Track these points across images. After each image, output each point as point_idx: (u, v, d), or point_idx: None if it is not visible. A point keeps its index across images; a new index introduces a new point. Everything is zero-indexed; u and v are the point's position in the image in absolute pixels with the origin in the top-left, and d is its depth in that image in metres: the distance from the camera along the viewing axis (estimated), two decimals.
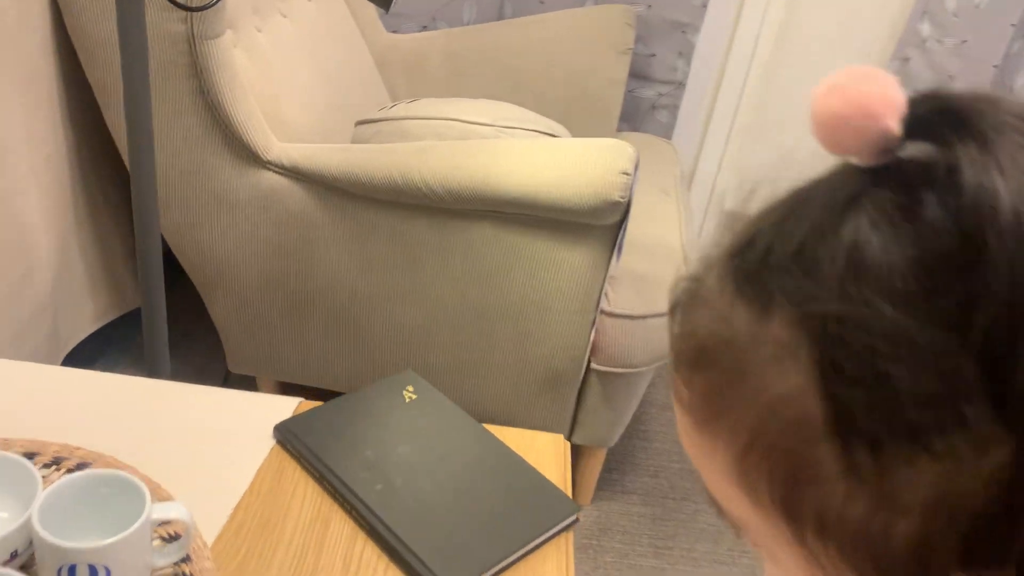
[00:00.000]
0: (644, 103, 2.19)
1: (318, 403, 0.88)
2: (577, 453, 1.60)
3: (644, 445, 1.79)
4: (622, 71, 1.88)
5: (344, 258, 1.37)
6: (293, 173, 1.32)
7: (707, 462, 0.38)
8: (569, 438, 1.52)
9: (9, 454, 0.68)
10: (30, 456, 0.76)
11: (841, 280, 0.31)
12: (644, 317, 1.36)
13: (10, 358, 1.33)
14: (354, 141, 1.41)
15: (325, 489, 0.78)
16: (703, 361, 0.36)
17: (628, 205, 1.18)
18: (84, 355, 1.70)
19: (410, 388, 0.89)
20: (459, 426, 0.85)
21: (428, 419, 0.85)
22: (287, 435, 0.81)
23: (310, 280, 1.41)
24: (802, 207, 0.34)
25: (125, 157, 1.38)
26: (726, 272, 0.35)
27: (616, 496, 1.66)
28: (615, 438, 1.53)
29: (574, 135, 1.46)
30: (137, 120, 0.98)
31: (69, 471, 0.75)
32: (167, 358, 1.18)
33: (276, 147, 1.33)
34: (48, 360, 1.44)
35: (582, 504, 1.62)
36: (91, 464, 0.76)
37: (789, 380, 0.32)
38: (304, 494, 0.78)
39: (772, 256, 0.33)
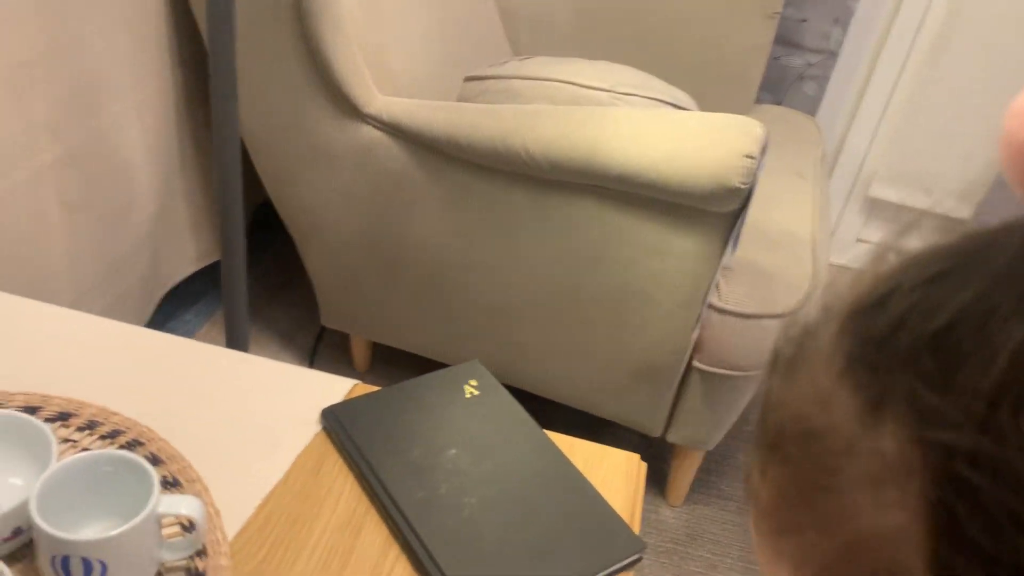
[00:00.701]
0: (790, 73, 2.00)
1: (374, 388, 0.80)
2: (671, 450, 1.48)
3: (748, 447, 1.65)
4: (767, 36, 1.70)
5: (438, 222, 1.29)
6: (392, 129, 1.25)
7: (768, 568, 0.28)
8: (663, 435, 1.41)
9: (30, 418, 0.64)
10: (66, 417, 0.72)
11: (992, 398, 0.20)
12: (758, 316, 1.22)
13: (103, 294, 1.34)
14: (460, 98, 1.32)
15: (364, 489, 0.71)
16: (783, 449, 0.26)
17: (750, 193, 1.05)
18: (181, 299, 1.71)
19: (473, 382, 0.81)
20: (520, 432, 0.76)
21: (487, 421, 0.77)
22: (333, 422, 0.75)
23: (403, 242, 1.35)
24: (966, 268, 0.22)
25: None
26: (843, 334, 0.24)
27: (711, 500, 1.53)
28: (715, 441, 1.40)
29: (706, 106, 1.33)
30: (220, 65, 0.92)
31: (102, 437, 0.71)
32: (245, 317, 1.14)
33: (377, 100, 1.25)
34: (142, 299, 1.44)
35: (673, 505, 1.51)
36: (124, 432, 0.71)
37: (888, 516, 0.22)
38: (342, 491, 0.71)
39: (904, 330, 0.22)
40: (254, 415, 0.76)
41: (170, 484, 0.68)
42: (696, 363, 1.27)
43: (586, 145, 1.10)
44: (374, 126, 1.26)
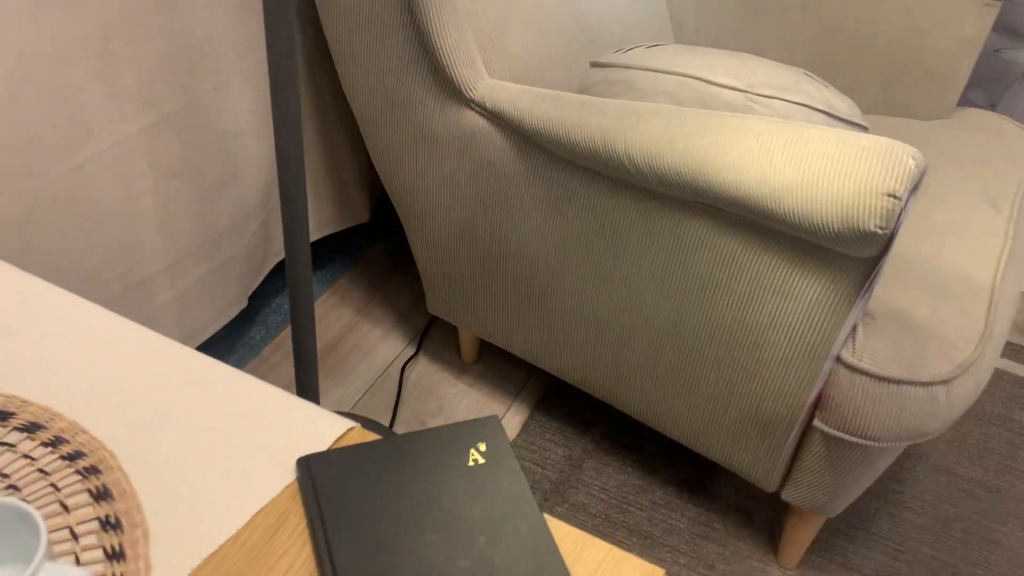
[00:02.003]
0: (1012, 70, 1.66)
1: (371, 436, 0.70)
2: (788, 506, 1.29)
3: (891, 512, 1.41)
4: (982, 27, 1.40)
5: (539, 223, 1.16)
6: (495, 117, 1.12)
7: None
8: (778, 492, 1.22)
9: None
10: (34, 429, 0.67)
11: None
12: (899, 382, 1.00)
13: (202, 261, 1.32)
14: (581, 87, 1.17)
15: (317, 565, 0.61)
16: None
17: (890, 239, 0.83)
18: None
19: (482, 446, 0.68)
20: (519, 521, 0.63)
21: (482, 500, 0.64)
22: (306, 475, 0.65)
23: (503, 239, 1.23)
24: None
25: (338, 67, 1.27)
26: None
27: (832, 569, 1.32)
28: (837, 508, 1.19)
29: (894, 109, 1.10)
30: (277, 42, 0.83)
31: (62, 457, 0.66)
32: (312, 313, 1.07)
33: (484, 84, 1.13)
34: (249, 268, 1.42)
35: (784, 566, 1.31)
36: (86, 456, 0.65)
37: None
38: (292, 563, 0.61)
39: None
40: (231, 449, 0.68)
41: (110, 525, 0.61)
42: (817, 423, 1.07)
43: (695, 159, 0.92)
44: (477, 112, 1.14)
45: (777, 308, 0.98)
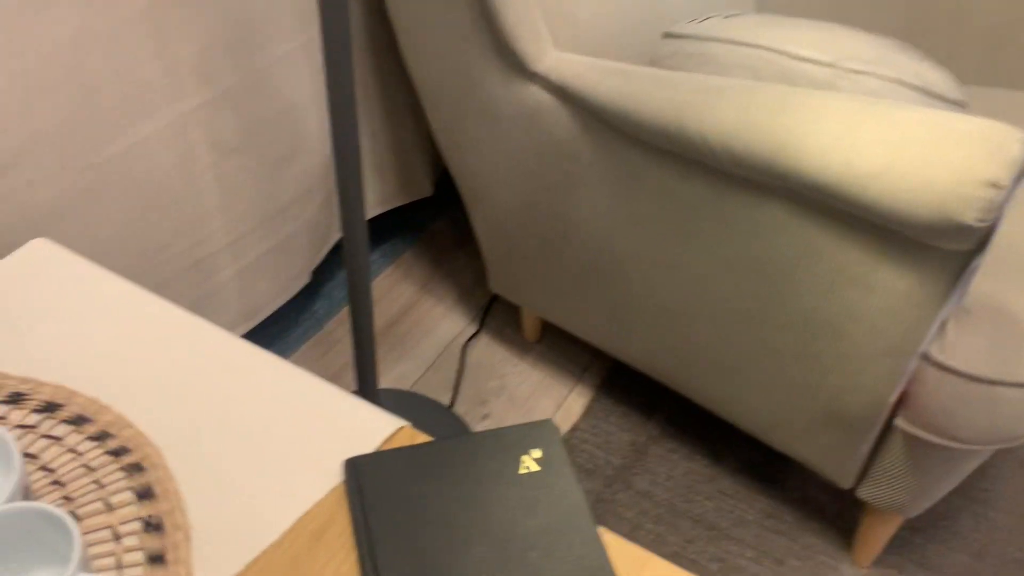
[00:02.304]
0: None
1: (422, 436, 0.67)
2: (864, 504, 1.22)
3: (976, 510, 1.33)
4: None
5: (605, 204, 1.11)
6: (560, 92, 1.07)
7: None
8: (854, 489, 1.16)
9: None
10: (81, 422, 0.66)
11: None
12: (993, 382, 0.92)
13: (264, 237, 1.31)
14: (652, 59, 1.10)
15: (361, 572, 0.58)
16: None
17: (990, 231, 0.76)
18: None
19: (536, 453, 0.65)
20: (573, 537, 0.60)
21: (535, 513, 0.61)
22: (352, 477, 0.63)
23: (567, 219, 1.18)
24: None
25: (399, 39, 1.23)
26: None
27: (909, 568, 1.26)
28: (917, 509, 1.13)
29: (994, 80, 1.01)
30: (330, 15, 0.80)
31: (108, 452, 0.64)
32: (368, 293, 1.04)
33: (549, 57, 1.08)
34: (312, 243, 1.41)
35: (858, 565, 1.25)
36: (131, 452, 0.64)
37: None
38: (338, 570, 0.59)
39: None
40: (277, 446, 0.65)
41: (152, 527, 0.60)
42: (900, 422, 1.00)
43: (775, 140, 0.86)
44: (541, 86, 1.09)
45: (858, 301, 0.92)
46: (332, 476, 0.64)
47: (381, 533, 0.59)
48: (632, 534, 1.27)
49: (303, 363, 1.46)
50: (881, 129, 0.80)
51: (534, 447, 0.65)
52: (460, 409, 1.42)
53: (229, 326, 1.30)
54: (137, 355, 0.71)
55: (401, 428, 0.67)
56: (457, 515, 0.60)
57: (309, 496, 0.63)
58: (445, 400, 1.42)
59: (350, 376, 1.46)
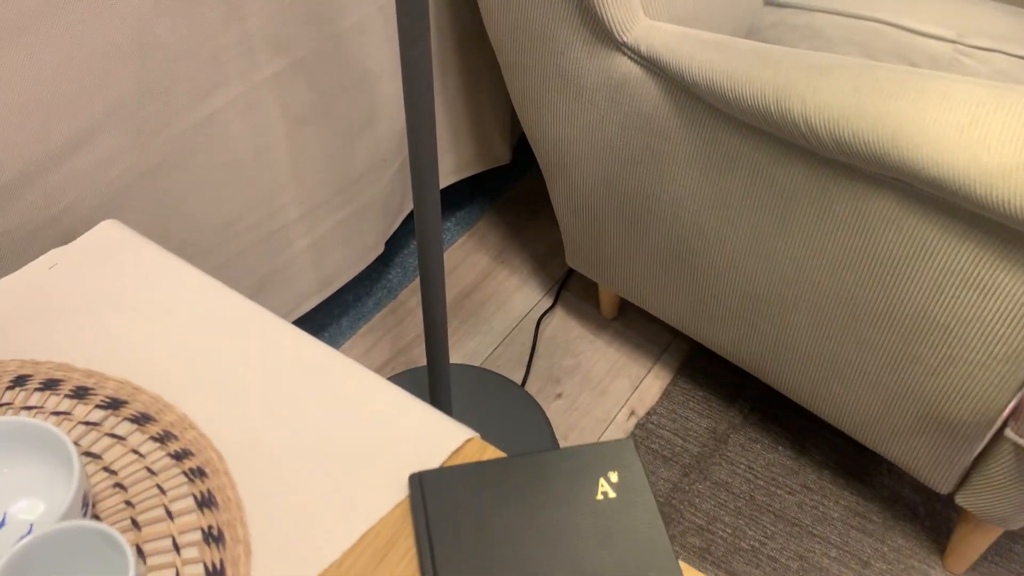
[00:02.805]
0: None
1: (494, 452, 0.63)
2: (962, 510, 1.15)
3: None
4: None
5: (694, 183, 1.04)
6: (650, 64, 1.00)
7: None
8: (952, 495, 1.08)
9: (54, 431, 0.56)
10: (144, 421, 0.64)
11: None
12: None
13: (338, 208, 1.28)
14: (751, 30, 1.02)
15: None
16: None
17: None
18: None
19: (614, 476, 0.60)
20: (649, 573, 0.55)
21: (611, 542, 0.56)
22: (418, 494, 0.59)
23: (652, 197, 1.11)
24: None
25: (480, 3, 1.17)
26: None
27: None
28: (1020, 523, 1.04)
29: None
30: None
31: (170, 455, 0.63)
32: (441, 269, 1.00)
33: (639, 26, 1.00)
34: (386, 213, 1.38)
35: (951, 571, 1.18)
36: (193, 455, 0.62)
37: None
38: None
39: None
40: (341, 455, 0.63)
41: (212, 538, 0.58)
42: (1010, 434, 0.92)
43: (888, 128, 0.78)
44: (629, 57, 1.02)
45: (974, 304, 0.83)
46: (398, 490, 0.61)
47: (444, 556, 0.55)
48: (709, 527, 1.22)
49: (376, 332, 1.44)
50: (1013, 119, 0.72)
51: (612, 469, 0.60)
52: (532, 388, 1.38)
53: (302, 297, 1.29)
54: (202, 350, 0.69)
55: (470, 440, 0.64)
56: (525, 542, 0.56)
57: (373, 512, 0.60)
58: (517, 377, 1.39)
59: (421, 349, 1.43)
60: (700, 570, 1.16)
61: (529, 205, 1.69)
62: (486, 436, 1.26)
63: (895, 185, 0.83)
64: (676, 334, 1.46)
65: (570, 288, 1.53)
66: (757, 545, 1.21)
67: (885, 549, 1.20)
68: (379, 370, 1.39)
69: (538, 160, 1.28)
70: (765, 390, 1.38)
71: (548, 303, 1.50)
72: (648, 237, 1.17)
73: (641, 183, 1.11)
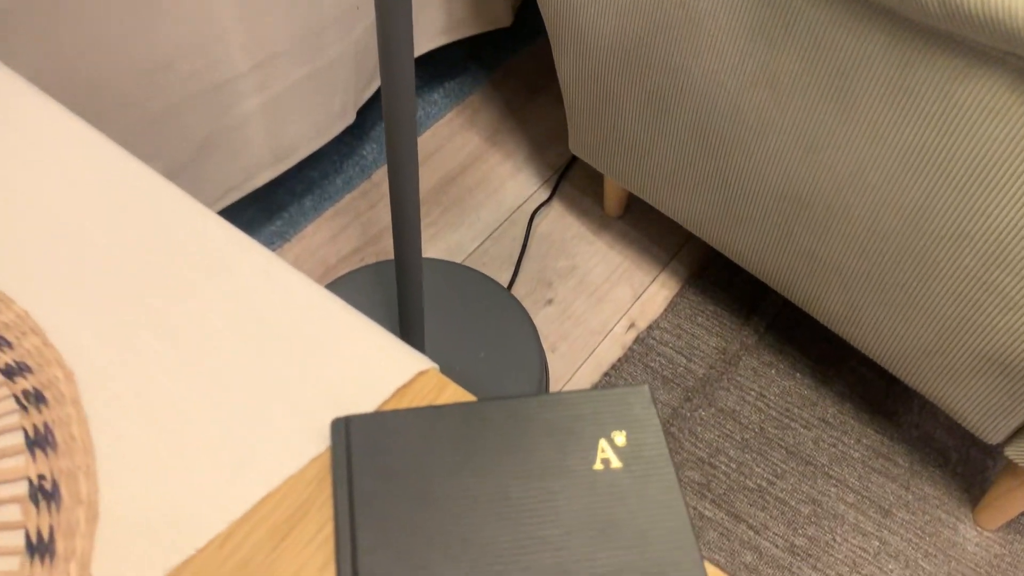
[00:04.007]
0: None
1: (458, 393, 0.45)
2: (1006, 463, 0.99)
3: None
4: None
5: (737, 57, 0.84)
6: None
7: None
8: (1003, 446, 0.93)
9: None
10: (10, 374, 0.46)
11: None
12: None
13: (301, 62, 1.07)
14: None
15: None
16: None
17: None
18: (429, 75, 1.40)
19: (619, 438, 0.42)
20: (661, 569, 0.38)
21: (613, 535, 0.39)
22: (342, 449, 0.42)
23: (682, 71, 0.91)
24: None
25: None
26: None
27: None
28: None
29: None
30: None
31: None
32: (414, 150, 0.81)
33: None
34: (361, 73, 1.16)
35: (982, 527, 1.04)
36: (11, 346, 0.44)
37: None
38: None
39: None
40: (242, 388, 0.45)
41: (44, 494, 0.40)
42: None
43: None
44: None
45: None
46: (314, 441, 0.43)
47: (370, 540, 0.38)
48: (711, 460, 1.07)
49: (344, 217, 1.25)
50: None
51: (617, 427, 0.43)
52: (520, 291, 1.20)
53: (253, 168, 1.09)
54: (66, 228, 0.50)
55: (424, 373, 0.46)
56: (488, 525, 0.39)
57: (276, 470, 0.42)
58: (504, 279, 1.21)
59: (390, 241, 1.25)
60: (698, 508, 1.02)
61: (531, 80, 1.47)
62: (459, 348, 1.09)
63: (1008, 63, 0.63)
64: (689, 238, 1.27)
65: (571, 179, 1.34)
66: (765, 484, 1.06)
67: (909, 497, 1.06)
68: (344, 261, 1.21)
69: (545, 22, 1.06)
70: (786, 308, 1.21)
71: (544, 195, 1.31)
72: (671, 120, 0.97)
73: (668, 53, 0.90)
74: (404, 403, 0.45)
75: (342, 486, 0.40)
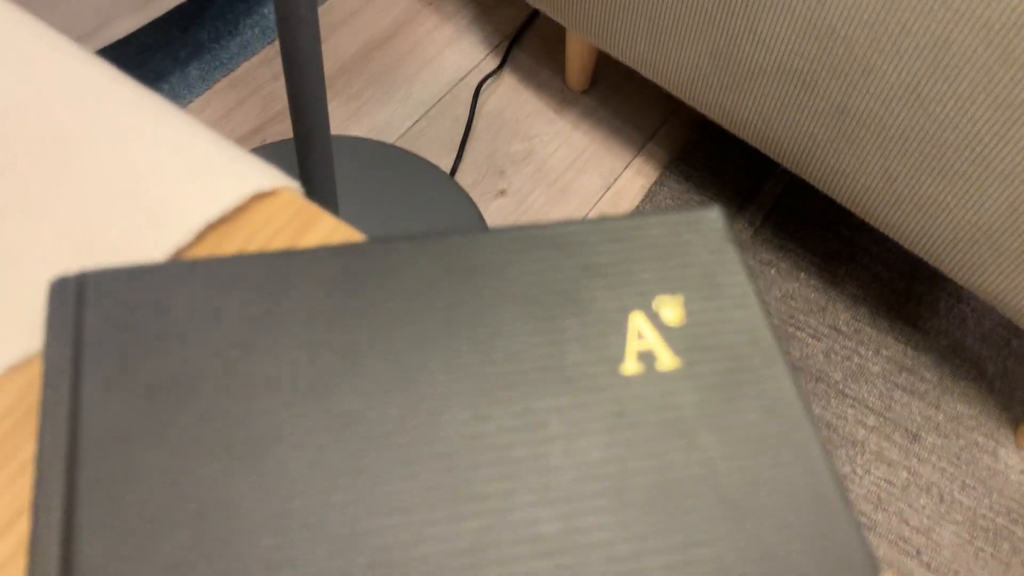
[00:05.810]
0: None
1: (347, 233, 0.23)
2: None
3: None
4: None
5: None
6: None
7: None
8: None
9: None
10: None
11: None
12: None
13: None
14: None
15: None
16: None
17: None
18: None
19: (670, 310, 0.20)
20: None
21: (667, 511, 0.18)
22: (65, 323, 0.19)
23: None
24: None
25: None
26: None
27: None
28: None
29: None
30: None
31: None
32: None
33: None
34: None
35: None
36: None
37: None
38: None
39: None
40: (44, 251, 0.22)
41: None
42: None
43: None
44: None
45: None
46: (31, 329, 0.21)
47: (99, 503, 0.16)
48: None
49: (241, 89, 1.00)
50: None
51: (667, 288, 0.21)
52: (466, 179, 0.97)
53: (111, 12, 0.83)
54: None
55: (273, 193, 0.23)
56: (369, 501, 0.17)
57: None
58: (445, 164, 0.98)
59: None
60: None
61: None
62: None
63: None
64: (670, 115, 1.05)
65: (524, 46, 1.10)
66: None
67: (940, 418, 0.88)
68: (241, 142, 0.96)
69: None
70: (789, 194, 1.00)
71: (493, 64, 1.07)
72: None
73: None
74: (235, 245, 0.22)
75: (58, 401, 0.18)
